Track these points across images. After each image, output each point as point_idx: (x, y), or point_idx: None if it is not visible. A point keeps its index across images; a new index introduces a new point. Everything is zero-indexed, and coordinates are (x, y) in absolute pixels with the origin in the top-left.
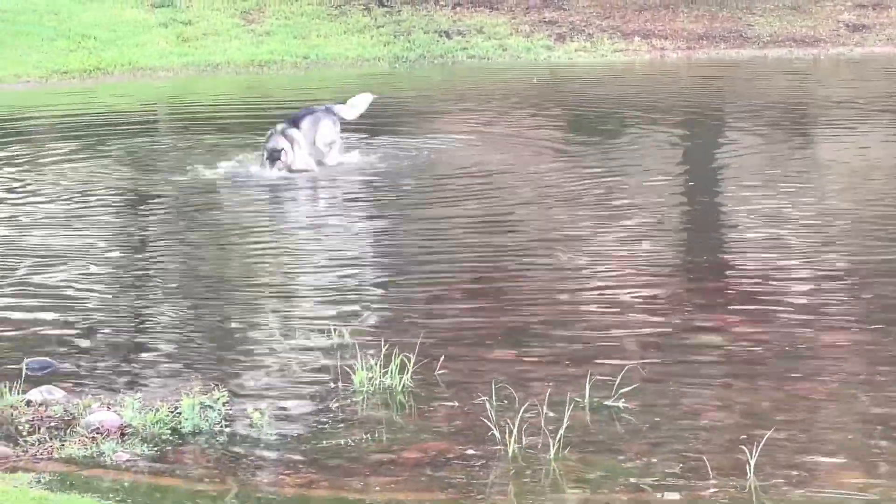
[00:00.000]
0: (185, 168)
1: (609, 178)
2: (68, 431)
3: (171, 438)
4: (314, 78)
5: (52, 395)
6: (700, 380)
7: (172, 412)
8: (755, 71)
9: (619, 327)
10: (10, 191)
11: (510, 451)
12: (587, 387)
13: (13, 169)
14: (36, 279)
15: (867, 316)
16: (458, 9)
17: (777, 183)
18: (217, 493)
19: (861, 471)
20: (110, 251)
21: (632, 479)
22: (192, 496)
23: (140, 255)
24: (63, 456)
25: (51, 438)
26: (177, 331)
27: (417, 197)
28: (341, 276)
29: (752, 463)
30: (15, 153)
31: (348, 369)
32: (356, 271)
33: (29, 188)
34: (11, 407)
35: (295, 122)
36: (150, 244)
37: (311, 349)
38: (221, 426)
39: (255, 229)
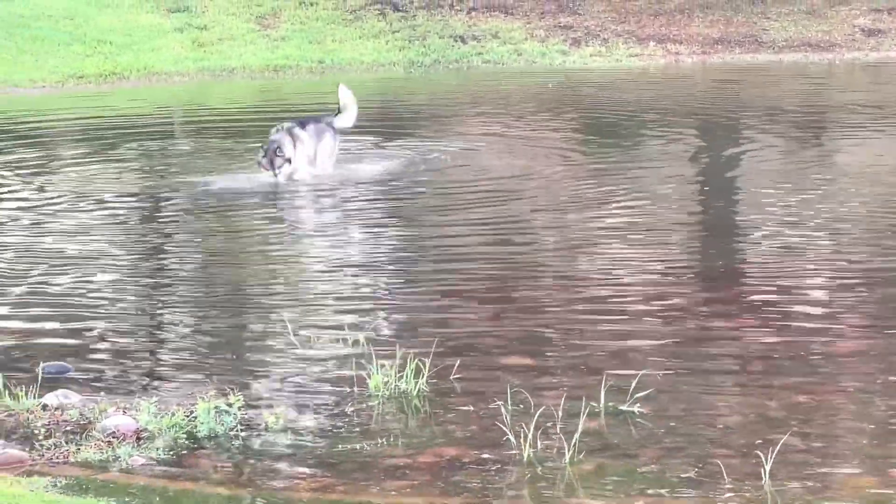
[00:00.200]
0: (200, 172)
1: (624, 183)
2: (84, 435)
3: (186, 443)
4: (329, 83)
5: (67, 399)
6: (715, 385)
7: (188, 416)
8: (770, 76)
9: (634, 332)
10: (25, 195)
11: (525, 455)
12: (602, 392)
13: (29, 173)
14: (51, 283)
15: (884, 321)
16: (473, 14)
17: (792, 188)
18: (233, 497)
19: (877, 477)
20: (123, 256)
21: (647, 485)
22: (208, 500)
23: (155, 260)
24: (79, 460)
25: (67, 442)
26: (192, 335)
27: (433, 202)
28: (356, 280)
29: (768, 468)
30: (30, 157)
31: (364, 374)
32: (371, 276)
33: (44, 193)
34: (27, 411)
35: (302, 125)
36: (165, 248)
37: (326, 354)
38: (237, 430)
39: (270, 234)
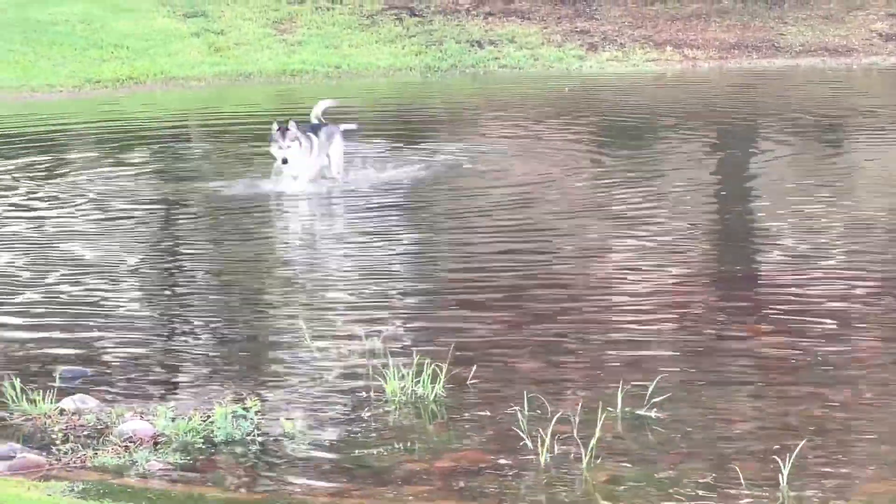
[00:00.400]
0: (216, 177)
1: (641, 188)
2: (101, 440)
3: (203, 447)
4: (346, 88)
5: (85, 403)
6: (732, 389)
7: (205, 421)
8: (787, 81)
9: (651, 337)
10: (41, 199)
11: (542, 460)
12: (619, 396)
13: (45, 178)
14: (68, 288)
15: None
16: (489, 18)
17: (810, 192)
18: (249, 502)
19: None
20: (139, 261)
21: (664, 490)
22: None
23: (171, 265)
24: (96, 464)
25: (84, 447)
26: (209, 340)
27: (450, 206)
28: (373, 285)
29: (785, 473)
30: (46, 162)
31: (380, 379)
32: (387, 281)
33: (61, 197)
34: (45, 415)
35: (314, 129)
36: (181, 253)
37: (342, 359)
38: (254, 435)
39: (286, 239)
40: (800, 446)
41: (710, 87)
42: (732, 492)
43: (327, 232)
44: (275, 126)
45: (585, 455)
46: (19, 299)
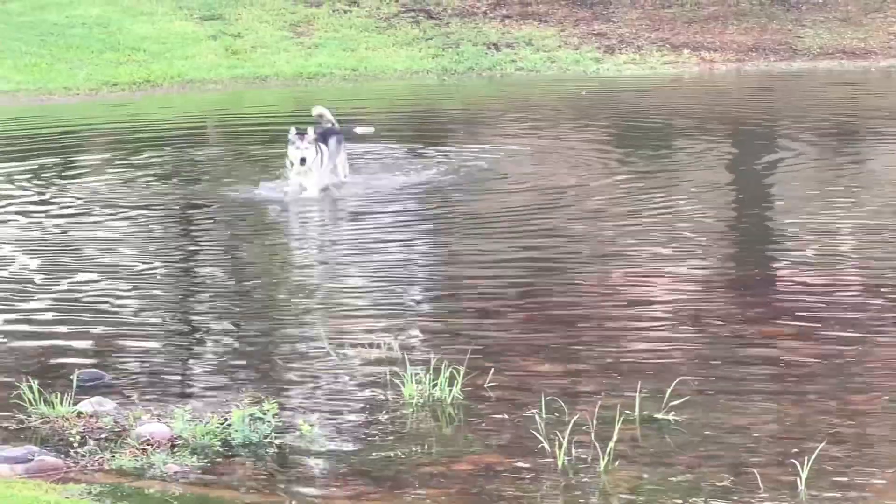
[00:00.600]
0: (233, 180)
1: (659, 191)
2: (119, 443)
3: (221, 450)
4: (363, 91)
5: (102, 406)
6: (750, 393)
7: (222, 424)
8: (805, 83)
9: (669, 340)
10: (58, 202)
11: (560, 463)
12: (637, 400)
13: (62, 181)
14: (86, 291)
15: None
16: (506, 21)
17: (828, 196)
18: None
19: None
20: (156, 264)
21: (682, 493)
22: None
23: (188, 268)
24: (114, 467)
25: (101, 450)
26: (226, 343)
27: (467, 209)
28: (390, 288)
29: (804, 477)
30: (63, 165)
31: (398, 382)
32: (405, 284)
33: (77, 201)
34: (62, 418)
35: (324, 138)
36: (199, 256)
37: (360, 362)
38: (271, 438)
39: (304, 242)
40: (818, 451)
41: (727, 89)
42: (750, 496)
43: (343, 235)
44: (293, 130)
45: (603, 459)
46: (37, 302)
